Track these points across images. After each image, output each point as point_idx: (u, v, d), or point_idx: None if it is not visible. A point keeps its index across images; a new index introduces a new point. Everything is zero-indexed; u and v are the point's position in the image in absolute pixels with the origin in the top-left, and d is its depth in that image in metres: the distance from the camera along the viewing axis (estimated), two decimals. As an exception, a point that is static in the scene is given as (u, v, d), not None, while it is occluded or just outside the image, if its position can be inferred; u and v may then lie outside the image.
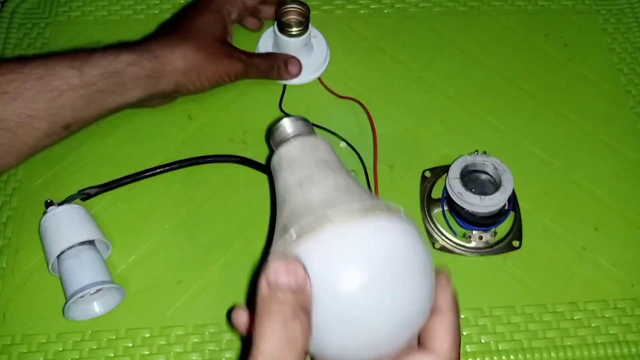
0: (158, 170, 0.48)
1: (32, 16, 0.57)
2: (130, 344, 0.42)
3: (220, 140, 0.50)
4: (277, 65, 0.51)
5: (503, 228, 0.47)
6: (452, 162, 0.46)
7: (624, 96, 0.54)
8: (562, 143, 0.52)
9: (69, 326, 0.42)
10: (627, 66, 0.56)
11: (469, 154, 0.47)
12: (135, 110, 0.49)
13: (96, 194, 0.47)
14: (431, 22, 0.58)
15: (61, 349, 0.42)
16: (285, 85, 0.53)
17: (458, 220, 0.47)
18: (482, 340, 0.43)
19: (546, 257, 0.46)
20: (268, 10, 0.54)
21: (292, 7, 0.51)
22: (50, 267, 0.42)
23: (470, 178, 0.47)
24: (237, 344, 0.43)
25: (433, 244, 0.46)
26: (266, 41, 0.54)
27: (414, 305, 0.28)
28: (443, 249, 0.46)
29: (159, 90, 0.46)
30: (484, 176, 0.47)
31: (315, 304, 0.27)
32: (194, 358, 0.42)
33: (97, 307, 0.43)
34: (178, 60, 0.46)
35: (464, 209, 0.45)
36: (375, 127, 0.49)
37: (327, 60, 0.54)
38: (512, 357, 0.43)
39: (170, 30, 0.48)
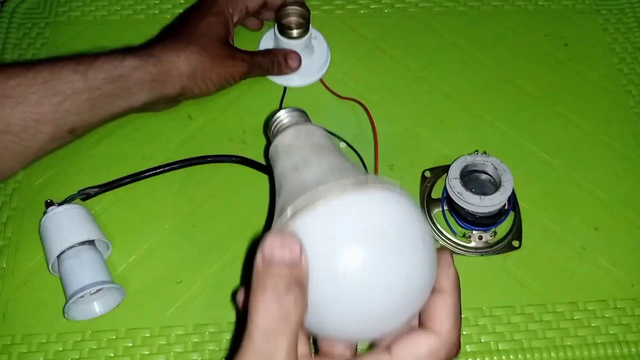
0: (158, 170, 0.48)
1: (31, 16, 0.57)
2: (130, 344, 0.42)
3: (220, 140, 0.50)
4: (277, 61, 0.51)
5: (503, 228, 0.47)
6: (452, 162, 0.46)
7: (624, 96, 0.54)
8: (562, 143, 0.52)
9: (69, 326, 0.42)
10: (627, 66, 0.56)
11: (469, 154, 0.47)
12: (136, 111, 0.50)
13: (96, 194, 0.47)
14: (431, 22, 0.58)
15: (61, 349, 0.42)
16: (285, 88, 0.53)
17: (458, 220, 0.47)
18: (482, 340, 0.43)
19: (546, 257, 0.46)
20: (269, 13, 0.54)
21: (293, 9, 0.51)
22: (50, 267, 0.42)
23: (470, 178, 0.47)
24: (237, 344, 0.43)
25: (433, 244, 0.46)
26: (267, 43, 0.54)
27: (413, 277, 0.28)
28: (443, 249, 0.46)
29: (164, 95, 0.46)
30: (484, 176, 0.47)
31: (311, 279, 0.27)
32: (194, 358, 0.42)
33: (97, 307, 0.43)
34: (183, 64, 0.46)
35: (463, 209, 0.45)
36: (376, 127, 0.49)
37: (328, 62, 0.54)
38: (512, 357, 0.43)
39: (174, 34, 0.48)
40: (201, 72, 0.47)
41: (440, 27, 0.58)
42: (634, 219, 0.48)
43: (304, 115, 0.39)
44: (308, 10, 0.51)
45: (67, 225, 0.43)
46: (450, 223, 0.47)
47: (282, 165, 0.35)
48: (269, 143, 0.38)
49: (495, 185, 0.46)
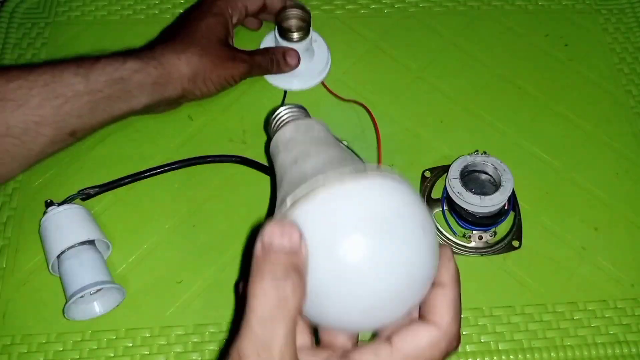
0: (158, 170, 0.48)
1: (31, 16, 0.57)
2: (130, 344, 0.42)
3: (220, 140, 0.50)
4: (276, 59, 0.51)
5: (503, 228, 0.47)
6: (452, 162, 0.46)
7: (624, 96, 0.54)
8: (562, 143, 0.52)
9: (69, 326, 0.42)
10: (627, 66, 0.56)
11: (469, 154, 0.47)
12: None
13: (96, 194, 0.47)
14: (431, 22, 0.58)
15: (61, 349, 0.42)
16: (285, 91, 0.53)
17: (458, 220, 0.47)
18: (482, 340, 0.43)
19: (546, 257, 0.46)
20: (268, 15, 0.54)
21: (293, 12, 0.51)
22: (50, 267, 0.42)
23: (470, 178, 0.47)
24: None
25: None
26: (267, 45, 0.54)
27: (414, 264, 0.27)
28: (443, 249, 0.46)
29: (165, 97, 0.46)
30: (483, 176, 0.47)
31: (311, 267, 0.27)
32: (194, 358, 0.42)
33: (97, 307, 0.43)
34: (184, 66, 0.46)
35: (463, 209, 0.45)
36: (379, 129, 0.49)
37: (329, 64, 0.54)
38: (512, 357, 0.43)
39: (175, 36, 0.48)
40: (202, 74, 0.47)
41: (440, 27, 0.58)
42: (634, 219, 0.48)
43: (303, 111, 0.39)
44: (308, 13, 0.51)
45: (67, 225, 0.43)
46: (450, 223, 0.47)
47: (282, 159, 0.35)
48: (269, 140, 0.38)
49: (495, 185, 0.46)
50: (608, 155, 0.51)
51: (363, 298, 0.27)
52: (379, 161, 0.48)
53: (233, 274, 0.45)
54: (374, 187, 0.28)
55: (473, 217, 0.45)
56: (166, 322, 0.43)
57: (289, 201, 0.29)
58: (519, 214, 0.47)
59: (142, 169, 0.48)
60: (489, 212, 0.45)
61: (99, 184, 0.47)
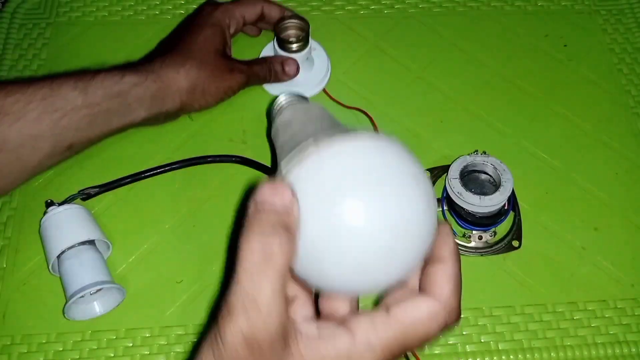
0: (158, 170, 0.48)
1: (32, 16, 0.57)
2: (130, 344, 0.42)
3: (220, 140, 0.50)
4: (274, 69, 0.51)
5: (503, 228, 0.47)
6: (452, 162, 0.47)
7: (624, 96, 0.54)
8: (562, 143, 0.52)
9: (69, 326, 0.42)
10: (626, 66, 0.56)
11: (468, 154, 0.47)
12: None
13: (96, 194, 0.47)
14: (431, 22, 0.58)
15: (61, 349, 0.42)
16: None
17: (458, 220, 0.47)
18: (482, 340, 0.43)
19: (546, 257, 0.46)
20: (267, 24, 0.54)
21: (292, 22, 0.50)
22: (50, 267, 0.42)
23: (470, 178, 0.47)
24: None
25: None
26: (266, 55, 0.53)
27: (408, 216, 0.27)
28: (443, 249, 0.46)
29: (163, 110, 0.46)
30: (483, 176, 0.47)
31: (305, 227, 0.27)
32: (193, 358, 0.42)
33: (97, 307, 0.43)
34: (182, 80, 0.46)
35: (463, 208, 0.45)
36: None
37: (329, 72, 0.54)
38: (512, 357, 0.43)
39: (173, 49, 0.48)
40: (200, 87, 0.47)
41: (440, 27, 0.58)
42: (634, 219, 0.48)
43: (302, 97, 0.40)
44: (307, 23, 0.50)
45: (67, 225, 0.43)
46: (450, 223, 0.47)
47: (282, 140, 0.35)
48: (270, 144, 0.38)
49: (495, 185, 0.46)
50: (608, 155, 0.51)
51: (357, 256, 0.27)
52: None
53: (233, 273, 0.45)
54: (364, 146, 0.28)
55: (473, 217, 0.45)
56: (166, 322, 0.43)
57: (282, 165, 0.29)
58: (519, 214, 0.47)
59: (142, 169, 0.48)
60: (489, 212, 0.45)
61: (99, 184, 0.47)
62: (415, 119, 0.52)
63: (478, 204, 0.44)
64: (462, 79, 0.55)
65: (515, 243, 0.46)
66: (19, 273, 0.44)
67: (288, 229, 0.26)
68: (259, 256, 0.25)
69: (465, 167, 0.46)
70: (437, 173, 0.49)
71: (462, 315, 0.44)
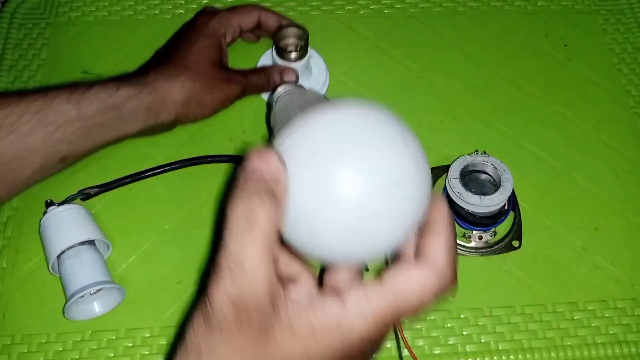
0: (158, 170, 0.48)
1: (32, 16, 0.57)
2: (130, 344, 0.42)
3: (220, 140, 0.50)
4: (273, 79, 0.51)
5: (503, 228, 0.47)
6: (452, 162, 0.47)
7: (624, 96, 0.54)
8: (562, 143, 0.52)
9: (69, 326, 0.42)
10: (626, 66, 0.56)
11: (468, 154, 0.47)
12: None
13: (96, 194, 0.47)
14: (431, 22, 0.58)
15: (61, 349, 0.42)
16: None
17: (458, 220, 0.47)
18: (482, 340, 0.43)
19: (546, 257, 0.46)
20: (264, 32, 0.54)
21: (290, 31, 0.50)
22: (50, 267, 0.42)
23: (470, 178, 0.47)
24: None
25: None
26: (264, 64, 0.53)
27: (398, 184, 0.27)
28: (443, 249, 0.46)
29: (159, 123, 0.46)
30: (483, 176, 0.47)
31: (295, 195, 0.27)
32: (194, 358, 0.42)
33: (97, 307, 0.43)
34: (177, 92, 0.46)
35: (463, 208, 0.45)
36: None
37: (328, 81, 0.53)
38: (512, 357, 0.43)
39: (168, 60, 0.47)
40: (196, 99, 0.47)
41: (440, 27, 0.58)
42: (633, 219, 0.48)
43: (300, 87, 0.41)
44: (306, 32, 0.50)
45: (67, 225, 0.43)
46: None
47: (278, 123, 0.36)
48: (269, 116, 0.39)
49: (495, 185, 0.46)
50: (608, 155, 0.51)
51: (345, 221, 0.26)
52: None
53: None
54: (350, 113, 0.28)
55: (473, 217, 0.45)
56: (166, 322, 0.43)
57: (275, 142, 0.29)
58: (519, 214, 0.47)
59: (142, 169, 0.48)
60: (489, 212, 0.45)
61: (99, 184, 0.47)
62: (415, 119, 0.52)
63: (478, 204, 0.44)
64: (462, 79, 0.55)
65: (515, 243, 0.46)
66: (19, 273, 0.44)
67: (274, 195, 0.26)
68: (244, 220, 0.25)
69: (466, 167, 0.46)
70: (437, 173, 0.49)
71: (462, 315, 0.44)
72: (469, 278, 0.45)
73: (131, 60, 0.51)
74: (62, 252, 0.42)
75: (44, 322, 0.43)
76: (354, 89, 0.53)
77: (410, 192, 0.27)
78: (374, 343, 0.28)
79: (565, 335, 0.44)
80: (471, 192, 0.44)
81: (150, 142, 0.50)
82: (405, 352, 0.42)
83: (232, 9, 0.52)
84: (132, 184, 0.48)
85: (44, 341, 0.42)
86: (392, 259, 0.29)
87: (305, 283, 0.30)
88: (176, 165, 0.48)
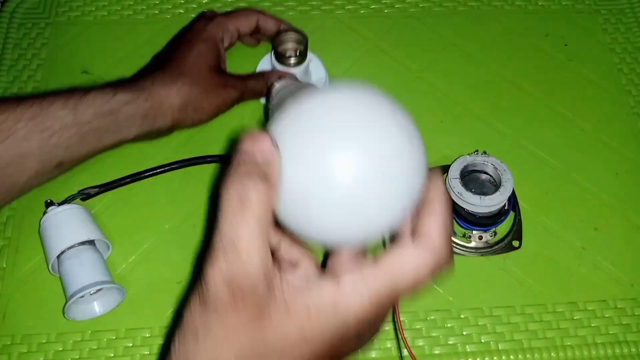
0: (158, 170, 0.48)
1: (32, 16, 0.57)
2: (130, 344, 0.42)
3: (220, 140, 0.50)
4: (271, 84, 0.50)
5: (503, 228, 0.47)
6: (452, 162, 0.47)
7: (624, 96, 0.54)
8: (562, 143, 0.52)
9: (69, 326, 0.42)
10: (627, 66, 0.56)
11: (469, 154, 0.47)
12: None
13: (96, 194, 0.47)
14: (431, 22, 0.58)
15: (61, 349, 0.42)
16: None
17: (458, 220, 0.47)
18: (482, 340, 0.43)
19: (546, 257, 0.46)
20: (263, 36, 0.54)
21: (289, 36, 0.50)
22: (50, 267, 0.42)
23: (470, 178, 0.47)
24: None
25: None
26: (264, 68, 0.53)
27: (389, 152, 0.27)
28: (443, 249, 0.46)
29: (155, 128, 0.46)
30: (483, 176, 0.47)
31: (288, 177, 0.27)
32: (194, 358, 0.42)
33: (97, 307, 0.43)
34: (174, 97, 0.45)
35: (464, 209, 0.45)
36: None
37: (327, 85, 0.53)
38: (512, 357, 0.43)
39: (165, 65, 0.47)
40: (193, 104, 0.47)
41: (440, 27, 0.58)
42: (634, 219, 0.48)
43: (295, 81, 0.41)
44: (305, 37, 0.50)
45: (67, 225, 0.43)
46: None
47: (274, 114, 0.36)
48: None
49: (495, 185, 0.46)
50: (608, 155, 0.51)
51: (341, 200, 0.26)
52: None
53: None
54: (340, 95, 0.28)
55: (473, 217, 0.45)
56: (166, 322, 0.43)
57: (269, 124, 0.29)
58: (519, 214, 0.48)
59: (142, 169, 0.48)
60: (489, 212, 0.45)
61: (99, 184, 0.47)
62: (415, 119, 0.52)
63: (478, 204, 0.44)
64: (462, 79, 0.55)
65: (515, 243, 0.46)
66: (19, 273, 0.44)
67: (267, 177, 0.26)
68: (237, 202, 0.26)
69: (466, 167, 0.46)
70: (437, 173, 0.49)
71: (462, 315, 0.44)
72: (469, 278, 0.45)
73: (131, 59, 0.51)
74: (62, 252, 0.42)
75: (44, 322, 0.43)
76: (354, 88, 0.53)
77: (404, 171, 0.27)
78: (371, 325, 0.28)
79: (565, 335, 0.44)
80: (471, 192, 0.44)
81: (150, 142, 0.50)
82: (405, 352, 0.42)
83: (230, 13, 0.51)
84: (132, 184, 0.48)
85: (44, 341, 0.42)
86: (390, 240, 0.29)
87: (305, 267, 0.30)
88: (176, 165, 0.48)
